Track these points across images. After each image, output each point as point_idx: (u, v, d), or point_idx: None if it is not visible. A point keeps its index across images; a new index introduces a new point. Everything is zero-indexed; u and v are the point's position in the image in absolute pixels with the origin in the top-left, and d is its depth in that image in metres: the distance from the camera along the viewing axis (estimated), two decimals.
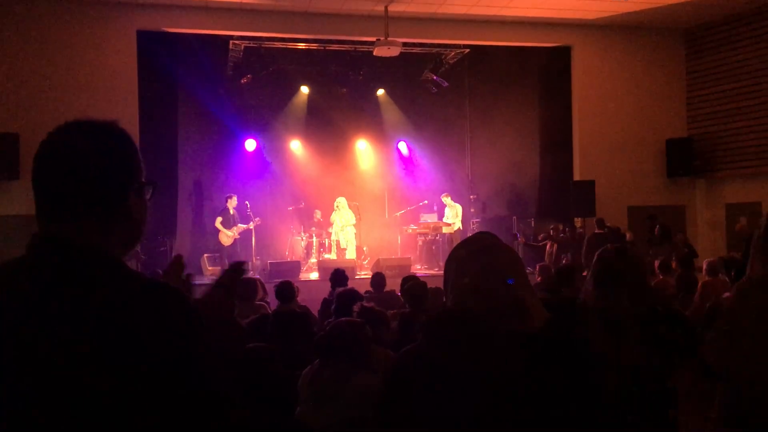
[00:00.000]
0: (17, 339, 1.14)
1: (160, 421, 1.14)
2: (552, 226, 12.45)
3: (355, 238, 13.31)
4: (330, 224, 13.46)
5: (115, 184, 1.27)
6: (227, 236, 12.26)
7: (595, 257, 2.75)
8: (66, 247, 1.21)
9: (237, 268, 1.65)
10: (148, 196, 1.35)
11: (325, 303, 6.54)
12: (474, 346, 1.49)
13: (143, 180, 1.33)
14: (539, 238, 12.64)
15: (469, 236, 1.83)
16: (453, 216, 13.21)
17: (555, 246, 12.04)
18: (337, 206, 13.18)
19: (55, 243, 1.22)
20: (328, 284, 7.08)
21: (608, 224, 11.62)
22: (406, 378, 1.58)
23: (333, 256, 13.01)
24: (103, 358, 1.12)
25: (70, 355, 1.12)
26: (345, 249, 13.05)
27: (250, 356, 3.21)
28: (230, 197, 12.49)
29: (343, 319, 3.37)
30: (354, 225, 13.23)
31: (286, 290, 5.57)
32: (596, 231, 11.44)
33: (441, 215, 13.60)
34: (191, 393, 1.18)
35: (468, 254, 1.66)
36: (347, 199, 13.36)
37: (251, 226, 12.44)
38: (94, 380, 1.11)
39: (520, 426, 1.41)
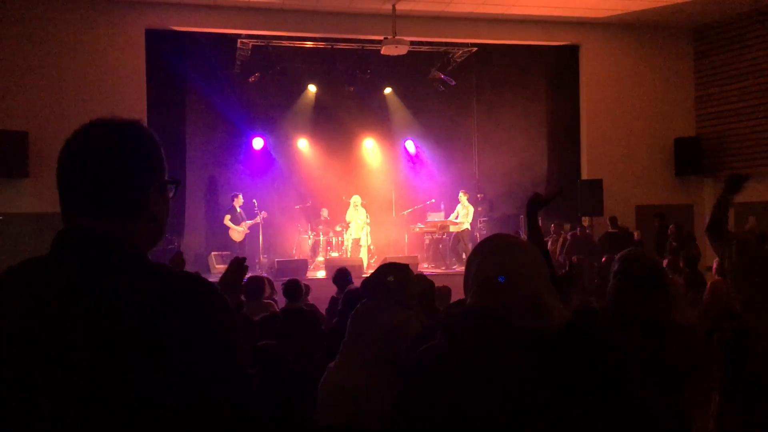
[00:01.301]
0: (48, 334, 1.15)
1: (192, 416, 1.15)
2: (554, 224, 12.40)
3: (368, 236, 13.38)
4: (337, 222, 13.48)
5: (137, 181, 1.30)
6: (237, 232, 12.34)
7: (624, 263, 2.72)
8: (93, 239, 1.24)
9: (238, 266, 1.66)
10: (171, 195, 1.38)
11: (333, 301, 6.55)
12: (495, 345, 1.48)
13: (166, 178, 1.36)
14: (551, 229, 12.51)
15: (491, 235, 1.82)
16: (464, 216, 13.18)
17: (558, 244, 12.01)
18: (355, 205, 13.20)
19: (82, 235, 1.25)
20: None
21: (619, 223, 11.59)
22: (426, 376, 1.57)
23: (348, 254, 13.03)
24: (139, 349, 1.13)
25: (104, 347, 1.13)
26: (363, 246, 13.07)
27: (262, 354, 3.22)
28: (236, 196, 12.59)
29: (389, 261, 3.58)
30: (368, 224, 13.28)
31: (294, 288, 5.58)
32: (610, 230, 11.39)
33: (449, 213, 13.57)
34: (224, 384, 1.19)
35: (489, 252, 1.65)
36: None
37: (258, 219, 12.52)
38: (127, 373, 1.12)
39: (541, 427, 1.40)
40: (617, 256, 2.79)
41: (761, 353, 2.97)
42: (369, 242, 13.22)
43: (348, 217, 13.27)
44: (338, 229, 13.53)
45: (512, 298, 1.53)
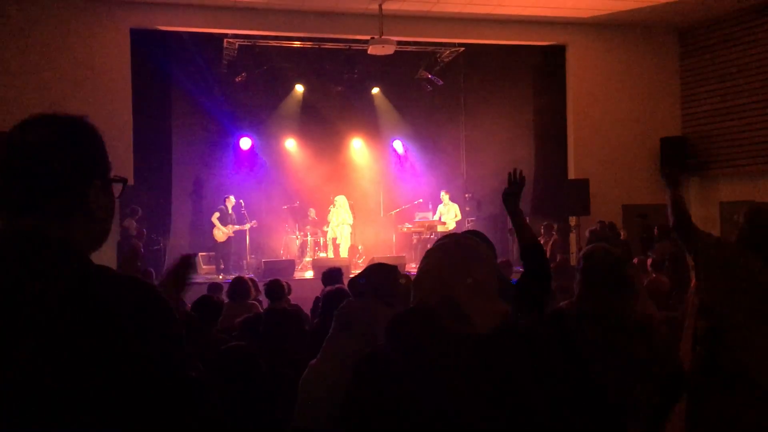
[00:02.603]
0: None
1: (132, 417, 1.12)
2: (544, 224, 12.40)
3: (350, 237, 13.33)
4: (325, 222, 13.48)
5: (74, 178, 1.24)
6: (222, 232, 12.28)
7: (584, 259, 2.74)
8: (27, 239, 1.18)
9: (186, 262, 1.70)
10: (117, 194, 1.32)
11: (317, 301, 6.53)
12: (428, 348, 1.48)
13: (109, 176, 1.31)
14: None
15: (443, 235, 1.84)
16: (448, 216, 13.18)
17: (548, 245, 11.99)
18: (335, 203, 13.18)
19: (16, 235, 1.20)
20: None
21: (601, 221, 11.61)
22: (367, 380, 1.58)
23: (330, 254, 13.03)
24: (72, 352, 1.10)
25: (36, 351, 1.09)
26: (343, 245, 13.09)
27: (228, 356, 3.22)
28: (228, 198, 12.55)
29: (377, 261, 3.77)
30: (350, 225, 13.25)
31: (275, 289, 5.56)
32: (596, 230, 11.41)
33: (435, 212, 13.57)
34: (163, 388, 1.16)
35: (426, 253, 1.67)
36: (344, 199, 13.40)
37: (246, 227, 12.48)
38: (62, 375, 1.09)
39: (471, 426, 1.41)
40: (581, 253, 2.82)
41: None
42: (345, 241, 13.20)
43: (329, 218, 13.30)
44: (326, 229, 13.53)
45: (427, 299, 1.55)
